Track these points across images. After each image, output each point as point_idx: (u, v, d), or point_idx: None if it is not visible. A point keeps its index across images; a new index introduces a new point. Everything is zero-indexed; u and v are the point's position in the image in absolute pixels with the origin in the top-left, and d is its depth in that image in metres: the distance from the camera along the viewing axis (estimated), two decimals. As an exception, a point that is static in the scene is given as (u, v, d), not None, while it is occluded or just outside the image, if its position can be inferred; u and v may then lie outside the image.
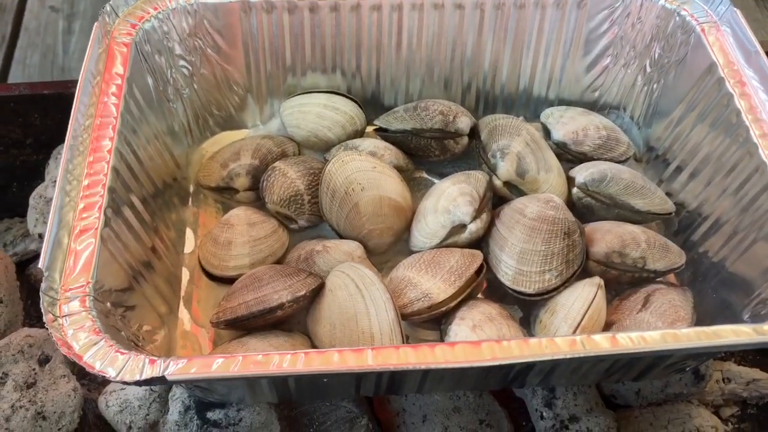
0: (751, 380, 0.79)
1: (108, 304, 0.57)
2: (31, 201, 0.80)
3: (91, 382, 0.74)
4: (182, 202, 0.78)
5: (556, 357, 0.52)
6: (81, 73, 0.66)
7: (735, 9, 0.75)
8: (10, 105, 0.83)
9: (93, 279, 0.56)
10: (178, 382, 0.52)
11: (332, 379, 0.58)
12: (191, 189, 0.80)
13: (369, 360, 0.51)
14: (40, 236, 0.80)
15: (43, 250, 0.55)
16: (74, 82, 0.76)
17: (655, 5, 0.78)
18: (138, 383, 0.50)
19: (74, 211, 0.59)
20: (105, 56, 0.69)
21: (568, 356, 0.52)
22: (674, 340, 0.53)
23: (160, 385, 0.53)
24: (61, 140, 0.85)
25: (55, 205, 0.58)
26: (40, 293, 0.53)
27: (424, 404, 0.72)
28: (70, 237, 0.57)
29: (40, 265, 0.54)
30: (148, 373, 0.50)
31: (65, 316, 0.53)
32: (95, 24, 0.69)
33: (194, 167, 0.81)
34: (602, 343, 0.53)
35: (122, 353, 0.52)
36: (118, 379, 0.50)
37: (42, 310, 0.53)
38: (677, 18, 0.77)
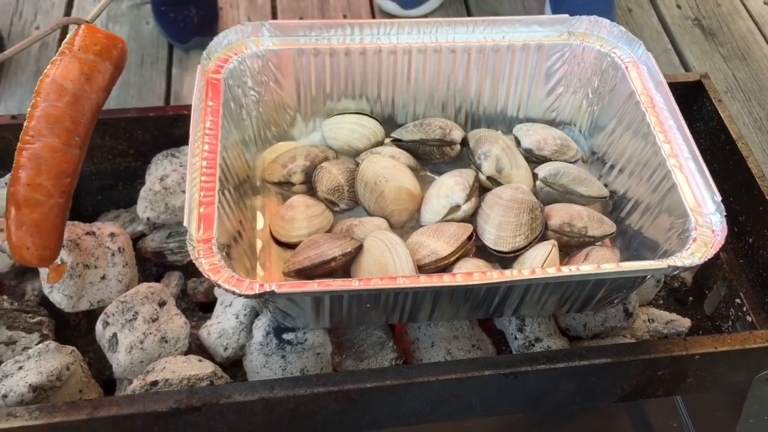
0: (669, 320, 1.09)
1: (224, 252, 0.85)
2: (142, 194, 1.08)
3: (192, 320, 1.02)
4: (253, 193, 1.06)
5: (522, 279, 0.81)
6: (193, 100, 0.94)
7: (648, 52, 1.05)
8: (122, 124, 1.11)
9: (215, 235, 0.84)
10: (282, 295, 0.79)
11: (374, 301, 0.87)
12: (257, 184, 1.08)
13: (400, 282, 0.80)
14: (149, 219, 1.08)
15: (185, 215, 0.83)
16: (171, 108, 1.06)
17: (593, 50, 1.09)
18: (256, 296, 0.78)
19: (198, 192, 0.87)
20: (205, 88, 0.98)
21: (530, 278, 0.81)
22: (596, 269, 0.82)
23: (270, 298, 0.79)
24: (157, 150, 1.14)
25: (188, 188, 0.86)
26: (187, 241, 0.81)
27: (432, 334, 1.01)
28: (198, 208, 0.85)
29: (185, 224, 0.82)
30: (261, 290, 0.78)
31: (201, 257, 0.81)
32: (198, 66, 0.98)
33: (258, 168, 1.09)
34: (551, 272, 0.82)
35: (241, 280, 0.80)
36: (243, 293, 0.78)
37: (189, 251, 0.81)
38: (609, 59, 1.08)
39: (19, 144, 0.82)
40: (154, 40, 2.07)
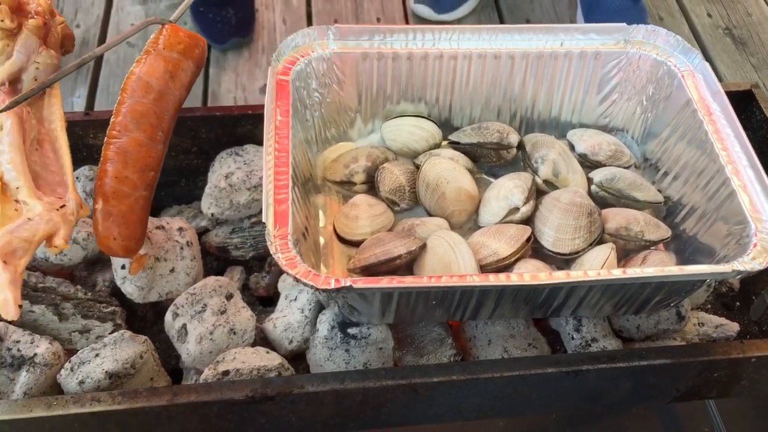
0: (718, 324, 1.11)
1: (297, 247, 0.88)
2: (207, 190, 1.11)
3: (258, 314, 1.05)
4: (315, 191, 1.09)
5: (589, 280, 0.83)
6: (266, 100, 0.98)
7: (705, 62, 1.07)
8: (188, 122, 1.15)
9: (290, 231, 0.87)
10: (358, 290, 0.82)
11: (440, 299, 0.90)
12: (318, 182, 1.11)
13: (473, 280, 0.83)
14: (213, 215, 1.11)
15: (263, 211, 0.86)
16: (236, 107, 1.09)
17: (650, 58, 1.11)
18: (332, 290, 0.81)
19: (274, 189, 0.90)
20: (275, 89, 1.01)
21: (596, 279, 0.83)
22: (661, 272, 0.85)
23: (347, 292, 0.82)
24: (219, 149, 1.18)
25: (265, 185, 0.89)
26: (266, 236, 0.84)
27: (488, 332, 1.03)
28: (273, 205, 0.89)
29: (263, 220, 0.86)
30: (337, 285, 0.81)
31: (278, 252, 0.84)
32: (269, 68, 1.01)
33: (319, 167, 1.12)
34: (616, 274, 0.84)
35: (317, 275, 0.83)
36: (320, 287, 0.81)
37: (267, 246, 0.84)
38: (665, 67, 1.10)
39: (106, 138, 0.85)
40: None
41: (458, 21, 2.21)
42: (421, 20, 2.19)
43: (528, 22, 2.15)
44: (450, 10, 2.18)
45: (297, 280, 0.82)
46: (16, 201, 0.78)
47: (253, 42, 2.08)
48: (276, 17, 2.24)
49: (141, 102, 0.86)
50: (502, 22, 2.19)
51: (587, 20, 1.99)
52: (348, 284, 0.81)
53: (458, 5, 2.18)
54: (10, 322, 0.93)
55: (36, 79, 0.88)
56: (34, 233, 0.73)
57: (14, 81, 0.87)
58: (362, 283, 0.82)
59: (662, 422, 1.30)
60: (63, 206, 0.78)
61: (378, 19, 2.29)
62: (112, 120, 0.86)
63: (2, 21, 0.85)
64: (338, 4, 2.33)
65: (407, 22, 2.22)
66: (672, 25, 2.27)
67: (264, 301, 1.13)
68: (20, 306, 0.69)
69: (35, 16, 0.88)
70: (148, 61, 0.87)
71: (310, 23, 2.21)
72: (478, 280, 0.83)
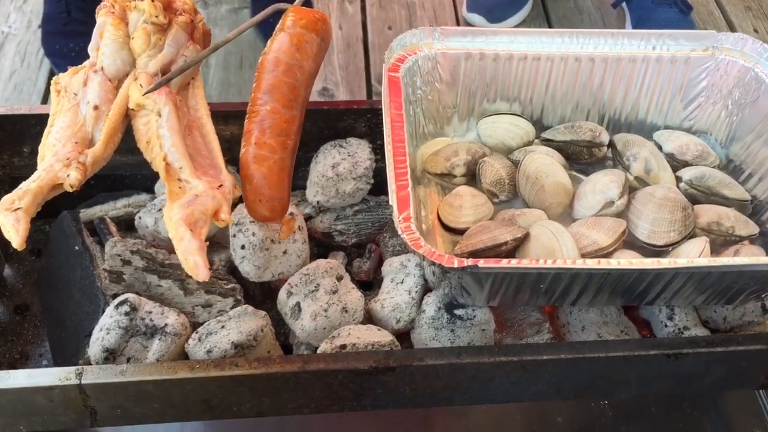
0: (798, 320, 1.16)
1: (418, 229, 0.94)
2: (314, 179, 1.18)
3: (365, 294, 1.11)
4: (415, 183, 1.16)
5: (695, 266, 0.89)
6: (382, 94, 1.05)
7: (791, 69, 1.13)
8: (295, 115, 1.22)
9: (412, 214, 0.93)
10: (483, 270, 0.88)
11: (549, 283, 0.95)
12: (419, 175, 1.18)
13: (585, 263, 0.89)
14: (318, 203, 1.18)
15: (389, 196, 0.93)
16: (342, 102, 1.16)
17: (737, 63, 1.17)
18: (460, 269, 0.87)
19: (395, 176, 0.97)
20: (388, 84, 1.08)
21: (703, 266, 0.89)
22: (756, 261, 0.90)
23: (469, 271, 0.88)
24: (320, 141, 1.25)
25: (389, 172, 0.96)
26: (393, 218, 0.91)
27: (582, 319, 1.09)
28: (396, 191, 0.95)
29: (390, 203, 0.92)
30: (461, 264, 0.87)
31: (404, 233, 0.91)
32: (383, 65, 1.08)
33: (419, 161, 1.19)
34: (723, 261, 0.90)
35: (441, 255, 0.89)
36: (446, 265, 0.87)
37: (396, 227, 0.90)
38: (752, 73, 1.16)
39: (247, 114, 0.93)
40: (251, 42, 2.20)
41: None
42: (473, 28, 2.26)
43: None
44: (502, 20, 2.25)
45: (423, 258, 0.89)
46: (179, 180, 0.85)
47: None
48: (333, 23, 2.32)
49: (272, 74, 0.94)
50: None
51: (637, 32, 2.05)
52: (474, 263, 0.87)
53: (510, 15, 2.25)
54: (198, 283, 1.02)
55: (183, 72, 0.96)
56: (207, 207, 0.80)
57: (165, 72, 0.95)
58: (485, 263, 0.88)
59: (710, 422, 1.34)
60: (220, 186, 0.86)
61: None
62: (252, 96, 0.94)
63: (157, 17, 0.93)
64: (392, 11, 2.40)
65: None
66: (721, 39, 2.32)
67: (363, 285, 1.20)
68: (209, 268, 0.76)
69: (183, 13, 0.96)
70: (276, 39, 0.97)
71: (365, 29, 2.29)
72: (592, 264, 0.89)
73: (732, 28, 2.35)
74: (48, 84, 1.96)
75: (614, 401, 1.28)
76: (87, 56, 0.98)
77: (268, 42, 0.98)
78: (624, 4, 2.23)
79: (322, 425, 1.26)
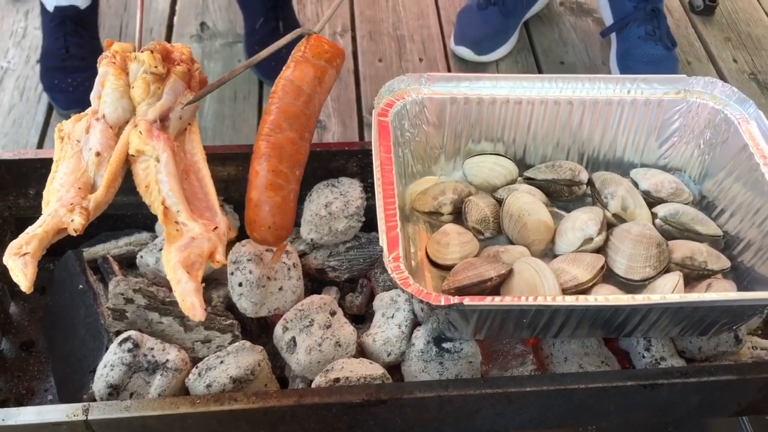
0: (770, 349, 1.22)
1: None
2: (307, 217, 1.23)
3: (357, 328, 1.16)
4: (404, 221, 1.21)
5: (668, 302, 0.95)
6: (372, 139, 1.10)
7: (759, 111, 1.19)
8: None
9: (401, 253, 0.99)
10: (468, 307, 0.93)
11: (531, 318, 1.01)
12: (407, 213, 1.24)
13: (564, 300, 0.94)
14: (312, 240, 1.24)
15: (380, 237, 0.98)
16: (334, 144, 1.21)
17: (708, 106, 1.24)
18: (446, 307, 0.92)
19: (385, 217, 1.02)
20: (378, 128, 1.14)
21: (677, 302, 0.95)
22: (726, 297, 0.96)
23: (455, 308, 0.94)
24: (313, 181, 1.30)
25: (378, 213, 1.01)
26: (383, 258, 0.96)
27: (564, 350, 1.14)
28: (386, 231, 1.01)
29: (380, 244, 0.98)
30: (447, 302, 0.93)
31: (394, 273, 0.96)
32: (373, 110, 1.14)
33: (407, 199, 1.25)
34: (694, 297, 0.96)
35: (429, 293, 0.94)
36: (433, 303, 0.93)
37: (386, 267, 0.96)
38: (722, 114, 1.22)
39: (258, 136, 0.98)
40: (245, 76, 2.25)
41: (496, 62, 2.34)
42: (462, 61, 2.33)
43: (562, 64, 2.27)
44: (489, 52, 2.31)
45: (412, 296, 0.94)
46: (176, 223, 0.91)
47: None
48: (326, 56, 2.38)
49: (293, 104, 0.99)
50: (537, 64, 2.32)
51: (621, 65, 2.11)
52: (460, 301, 0.92)
53: (496, 47, 2.31)
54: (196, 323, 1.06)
55: (181, 118, 1.02)
56: (203, 249, 0.85)
57: (164, 119, 1.00)
58: (470, 300, 0.93)
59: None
60: (215, 228, 0.91)
61: (420, 60, 2.42)
62: (263, 118, 0.99)
63: (156, 67, 0.98)
64: (382, 44, 2.47)
65: (448, 63, 2.35)
66: (700, 70, 2.38)
67: (355, 319, 1.25)
68: (206, 309, 0.81)
69: (180, 64, 1.02)
70: (298, 68, 1.01)
71: (356, 61, 2.35)
72: (571, 301, 0.95)
73: (712, 59, 2.43)
74: (47, 118, 2.01)
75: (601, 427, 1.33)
76: (85, 90, 1.01)
77: (290, 64, 1.02)
78: (613, 35, 2.28)
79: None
